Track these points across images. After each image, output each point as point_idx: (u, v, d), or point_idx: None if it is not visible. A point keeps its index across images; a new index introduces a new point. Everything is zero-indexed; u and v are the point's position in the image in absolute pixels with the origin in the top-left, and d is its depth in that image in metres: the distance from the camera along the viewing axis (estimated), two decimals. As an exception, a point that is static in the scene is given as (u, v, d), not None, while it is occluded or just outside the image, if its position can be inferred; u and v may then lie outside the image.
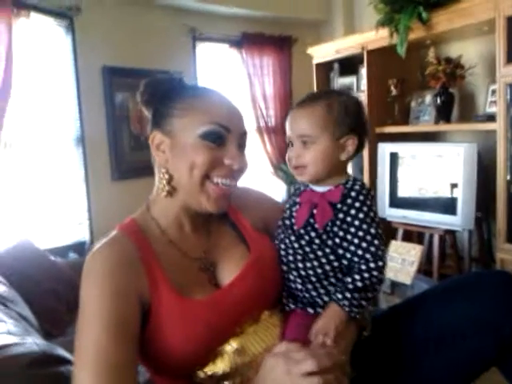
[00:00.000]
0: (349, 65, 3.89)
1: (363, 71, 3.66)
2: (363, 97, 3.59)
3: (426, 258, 3.19)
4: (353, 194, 1.06)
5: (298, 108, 1.12)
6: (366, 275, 1.01)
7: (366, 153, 3.63)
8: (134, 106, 3.72)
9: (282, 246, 1.12)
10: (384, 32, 3.19)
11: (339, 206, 1.06)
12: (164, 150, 1.02)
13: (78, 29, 3.40)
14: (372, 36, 3.35)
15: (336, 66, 3.99)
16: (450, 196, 3.03)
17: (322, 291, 1.06)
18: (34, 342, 1.17)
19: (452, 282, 1.22)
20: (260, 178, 4.37)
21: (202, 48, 4.12)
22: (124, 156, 3.74)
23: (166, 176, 1.02)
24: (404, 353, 1.12)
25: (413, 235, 3.43)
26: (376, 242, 1.03)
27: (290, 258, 1.09)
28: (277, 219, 1.19)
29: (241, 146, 1.06)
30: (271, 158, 4.41)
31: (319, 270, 1.05)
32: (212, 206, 1.03)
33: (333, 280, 1.06)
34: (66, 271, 2.75)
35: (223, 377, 0.97)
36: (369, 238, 1.03)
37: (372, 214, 1.05)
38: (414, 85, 3.54)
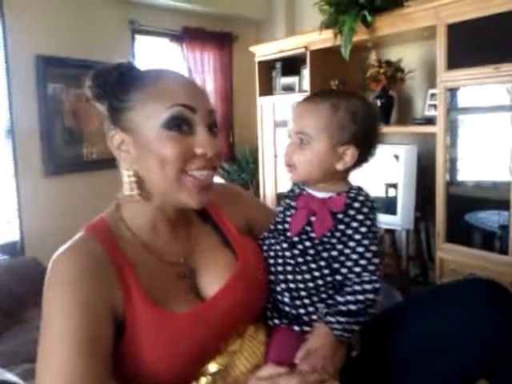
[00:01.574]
0: (291, 64, 3.90)
1: (305, 71, 3.68)
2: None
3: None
4: (356, 204, 0.97)
5: (302, 103, 1.03)
6: (360, 297, 0.92)
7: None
8: (68, 98, 3.55)
9: (271, 254, 1.02)
10: (327, 33, 3.22)
11: (340, 216, 0.97)
12: (127, 149, 0.90)
13: (8, 14, 3.19)
14: (315, 37, 3.38)
15: (278, 65, 3.98)
16: (390, 196, 3.11)
17: (310, 309, 0.96)
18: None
19: (438, 290, 1.14)
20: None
21: (142, 41, 3.99)
22: (57, 150, 3.54)
23: (134, 179, 0.91)
24: (388, 370, 1.03)
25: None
26: (375, 260, 0.94)
27: (279, 268, 0.99)
28: (261, 220, 1.11)
29: (211, 127, 0.92)
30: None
31: (310, 284, 0.96)
32: (194, 201, 0.90)
33: (323, 296, 0.96)
34: (-3, 275, 2.55)
35: None
36: (368, 255, 0.94)
37: (374, 229, 0.96)
38: (355, 86, 3.59)
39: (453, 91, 2.69)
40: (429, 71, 3.20)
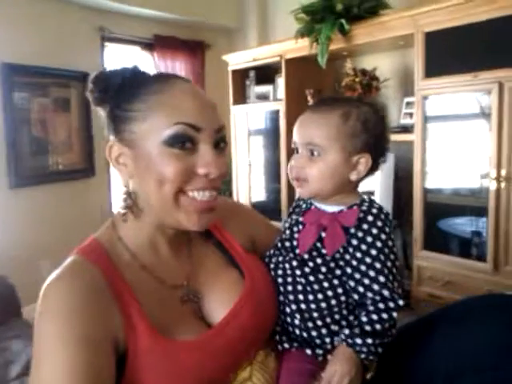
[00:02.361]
0: (265, 73, 3.88)
1: (280, 80, 3.67)
2: (280, 106, 3.60)
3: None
4: (370, 218, 0.91)
5: (310, 112, 0.97)
6: (384, 316, 0.86)
7: (283, 160, 3.63)
8: (35, 107, 3.42)
9: (280, 272, 0.95)
10: (302, 42, 3.21)
11: (353, 230, 0.90)
12: (125, 163, 0.83)
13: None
14: (290, 45, 3.37)
15: (252, 73, 3.95)
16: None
17: (323, 331, 0.90)
18: None
19: (453, 309, 1.03)
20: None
21: (112, 49, 3.89)
22: (24, 161, 3.40)
23: (128, 195, 0.85)
24: None
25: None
26: (392, 277, 0.88)
27: (289, 287, 0.92)
28: (265, 237, 1.05)
29: (217, 144, 0.85)
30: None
31: (323, 305, 0.89)
32: (193, 224, 0.84)
33: (337, 317, 0.90)
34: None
35: None
36: (386, 271, 0.88)
37: (391, 243, 0.90)
38: (329, 95, 3.60)
39: (430, 99, 2.70)
40: (404, 80, 3.23)
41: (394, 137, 3.03)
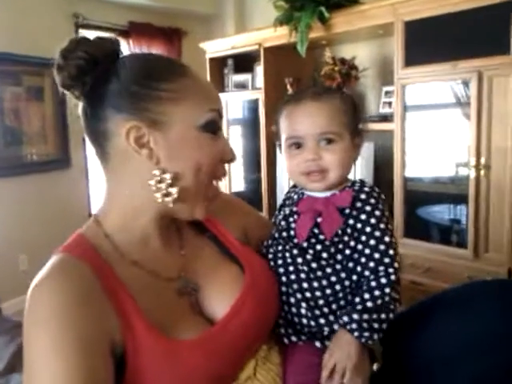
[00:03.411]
0: (244, 61, 3.84)
1: (259, 69, 3.63)
2: (259, 95, 3.57)
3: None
4: (362, 196, 0.91)
5: (310, 102, 0.94)
6: (376, 293, 0.85)
7: (263, 150, 3.62)
8: (8, 96, 3.33)
9: (280, 262, 0.93)
10: (281, 30, 3.19)
11: (347, 211, 0.91)
12: (150, 146, 0.77)
13: None
14: (269, 33, 3.34)
15: (230, 61, 3.91)
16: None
17: (331, 318, 0.88)
18: None
19: (449, 295, 1.02)
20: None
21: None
22: (-3, 151, 3.31)
23: (168, 176, 0.78)
24: (412, 380, 0.93)
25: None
26: (391, 252, 0.87)
27: (292, 276, 0.91)
28: (258, 230, 1.03)
29: None
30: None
31: (328, 291, 0.88)
32: (204, 212, 0.84)
33: (342, 302, 0.88)
34: None
35: None
36: (382, 247, 0.87)
37: (385, 220, 0.90)
38: (309, 84, 3.58)
39: (409, 88, 2.71)
40: (382, 69, 3.23)
41: (373, 126, 3.06)
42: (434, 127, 2.68)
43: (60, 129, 3.65)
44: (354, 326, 0.84)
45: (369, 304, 0.85)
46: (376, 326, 0.84)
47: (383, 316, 0.85)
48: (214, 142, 0.81)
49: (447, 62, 2.48)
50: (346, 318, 0.85)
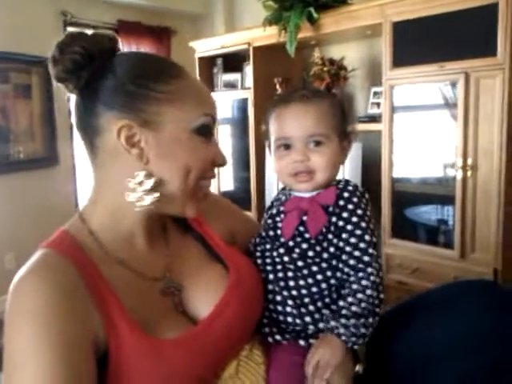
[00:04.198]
0: (233, 61, 3.83)
1: (248, 68, 3.63)
2: (249, 94, 3.57)
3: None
4: (345, 194, 0.93)
5: (299, 104, 0.96)
6: (360, 296, 0.86)
7: (252, 150, 3.61)
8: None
9: (268, 261, 0.94)
10: (270, 30, 3.19)
11: (331, 209, 0.92)
12: (141, 145, 0.77)
13: None
14: (259, 33, 3.34)
15: (219, 61, 3.90)
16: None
17: (316, 316, 0.89)
18: None
19: (437, 292, 1.04)
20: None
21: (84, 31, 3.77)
22: (-16, 150, 3.29)
23: (150, 180, 0.77)
24: (399, 376, 0.93)
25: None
26: (370, 250, 0.89)
27: (280, 274, 0.92)
28: (244, 231, 1.04)
29: None
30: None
31: (314, 289, 0.89)
32: (194, 212, 0.85)
33: (327, 300, 0.89)
34: None
35: None
36: (362, 245, 0.89)
37: (367, 219, 0.91)
38: (298, 84, 3.58)
39: (397, 89, 2.73)
40: (371, 69, 3.24)
41: (361, 126, 3.06)
42: (421, 128, 2.70)
43: (47, 126, 3.63)
44: (342, 330, 0.85)
45: (355, 309, 0.85)
46: (363, 330, 0.85)
47: (370, 320, 0.86)
48: (205, 145, 0.82)
49: (434, 63, 2.49)
50: (333, 323, 0.86)
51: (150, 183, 0.77)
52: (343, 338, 0.84)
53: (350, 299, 0.86)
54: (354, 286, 0.87)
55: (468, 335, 0.88)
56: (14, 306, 0.69)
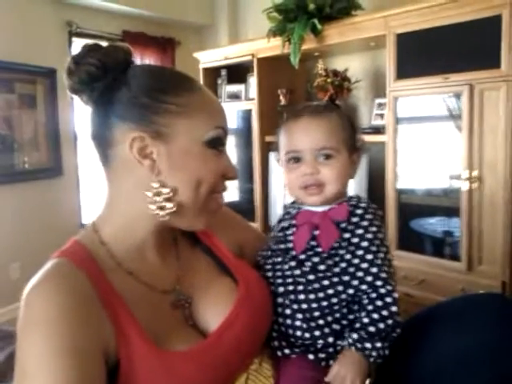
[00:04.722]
0: (237, 72, 3.84)
1: (252, 79, 3.64)
2: (253, 105, 3.58)
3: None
4: (359, 211, 0.93)
5: (308, 118, 0.97)
6: (384, 313, 0.86)
7: (256, 162, 3.61)
8: (1, 103, 3.32)
9: (278, 274, 0.94)
10: (274, 41, 3.20)
11: (344, 225, 0.92)
12: (153, 157, 0.77)
13: None
14: (262, 44, 3.35)
15: (224, 72, 3.91)
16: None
17: (326, 330, 0.88)
18: None
19: (447, 305, 1.05)
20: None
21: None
22: (-11, 159, 3.31)
23: (166, 190, 0.77)
24: None
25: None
26: (386, 268, 0.89)
27: (290, 287, 0.92)
28: (252, 243, 1.04)
29: None
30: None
31: (324, 303, 0.89)
32: (204, 224, 0.85)
33: (337, 315, 0.89)
34: None
35: None
36: (378, 262, 0.89)
37: (381, 236, 0.92)
38: (302, 95, 3.59)
39: (401, 100, 2.72)
40: (375, 81, 3.25)
41: (365, 138, 3.07)
42: (426, 140, 2.69)
43: (52, 137, 3.65)
44: (374, 353, 0.86)
45: (381, 325, 0.86)
46: (387, 352, 0.87)
47: (394, 335, 0.88)
48: (217, 158, 0.82)
49: (439, 75, 2.48)
50: (367, 345, 0.86)
51: (166, 191, 0.78)
52: (371, 359, 0.86)
53: (374, 315, 0.87)
54: (378, 303, 0.87)
55: (477, 350, 0.88)
56: (26, 316, 0.69)
